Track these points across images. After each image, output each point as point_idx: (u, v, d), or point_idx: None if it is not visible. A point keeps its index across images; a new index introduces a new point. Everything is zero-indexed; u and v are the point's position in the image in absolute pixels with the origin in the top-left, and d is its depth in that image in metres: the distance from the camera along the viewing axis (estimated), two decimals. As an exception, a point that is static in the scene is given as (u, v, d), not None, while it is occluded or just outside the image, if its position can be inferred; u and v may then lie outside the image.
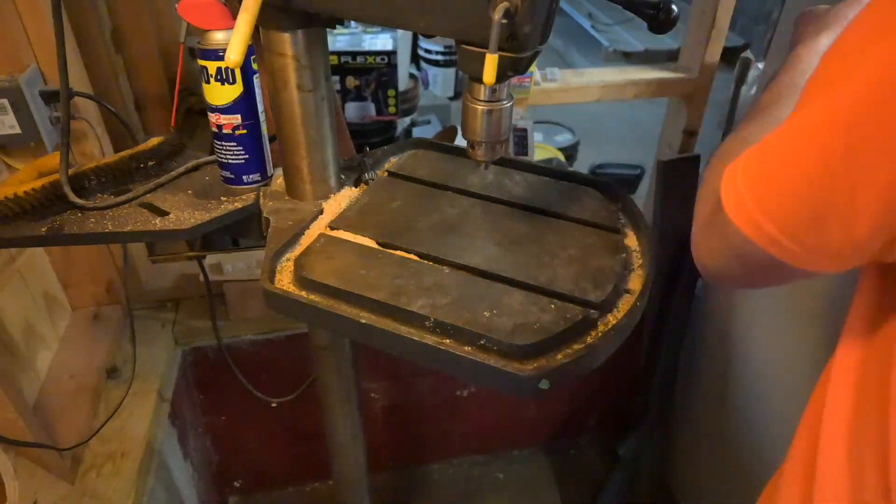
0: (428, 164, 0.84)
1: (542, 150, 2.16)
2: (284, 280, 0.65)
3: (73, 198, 0.73)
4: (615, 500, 1.68)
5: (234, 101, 0.71)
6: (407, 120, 2.15)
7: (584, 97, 1.41)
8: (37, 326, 1.15)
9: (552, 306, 0.60)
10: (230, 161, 0.75)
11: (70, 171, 0.75)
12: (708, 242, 0.52)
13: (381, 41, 1.78)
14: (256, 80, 0.72)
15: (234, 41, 0.56)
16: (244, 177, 0.76)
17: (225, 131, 0.73)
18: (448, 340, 0.58)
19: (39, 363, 1.15)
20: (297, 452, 1.68)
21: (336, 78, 1.74)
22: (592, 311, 0.60)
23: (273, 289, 0.62)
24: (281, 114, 0.70)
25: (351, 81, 1.78)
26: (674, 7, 0.60)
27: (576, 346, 0.58)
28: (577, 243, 0.69)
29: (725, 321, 1.42)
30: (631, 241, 0.72)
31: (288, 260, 0.68)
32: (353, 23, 1.82)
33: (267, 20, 0.62)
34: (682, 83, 1.43)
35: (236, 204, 0.75)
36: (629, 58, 4.09)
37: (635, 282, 0.66)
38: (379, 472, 1.78)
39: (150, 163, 0.81)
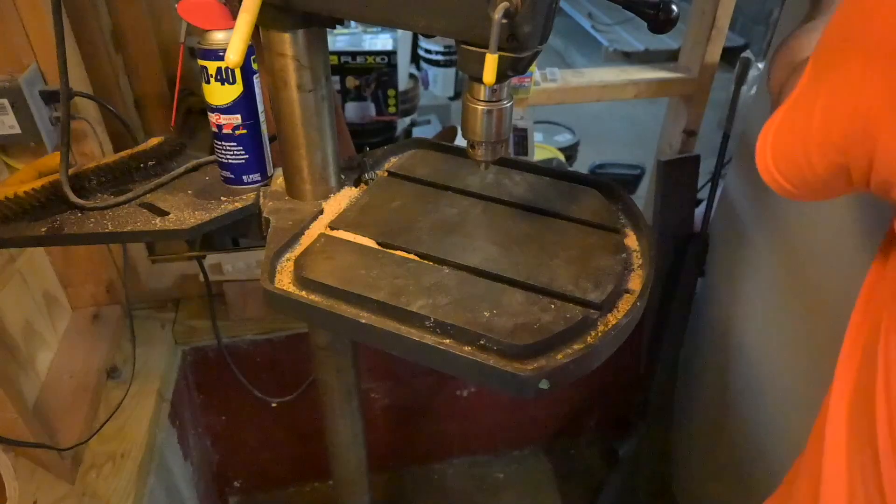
0: (428, 164, 0.84)
1: (542, 150, 2.16)
2: (284, 280, 0.65)
3: (73, 198, 0.73)
4: (615, 500, 1.68)
5: (234, 101, 0.71)
6: (407, 120, 2.15)
7: (584, 97, 1.41)
8: (37, 326, 1.15)
9: (552, 306, 0.60)
10: (230, 161, 0.75)
11: (70, 171, 0.75)
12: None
13: (381, 41, 1.78)
14: (256, 80, 0.72)
15: (234, 41, 0.56)
16: (244, 177, 0.76)
17: (225, 131, 0.73)
18: (448, 340, 0.58)
19: (39, 363, 1.15)
20: (297, 452, 1.68)
21: (336, 78, 1.74)
22: (592, 311, 0.60)
23: (273, 289, 0.62)
24: (281, 114, 0.70)
25: (351, 81, 1.78)
26: (674, 7, 0.60)
27: (576, 346, 0.58)
28: (577, 243, 0.69)
29: (725, 321, 1.42)
30: (631, 241, 0.72)
31: (288, 260, 0.68)
32: (353, 23, 1.82)
33: (267, 20, 0.62)
34: (682, 83, 1.43)
35: (236, 204, 0.75)
36: (629, 58, 4.09)
37: (635, 282, 0.66)
38: (379, 472, 1.78)
39: (150, 163, 0.81)
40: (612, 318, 0.61)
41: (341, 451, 0.99)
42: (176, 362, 1.38)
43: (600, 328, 0.60)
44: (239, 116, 0.72)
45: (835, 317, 1.04)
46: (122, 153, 0.80)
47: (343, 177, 0.79)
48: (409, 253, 0.68)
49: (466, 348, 0.57)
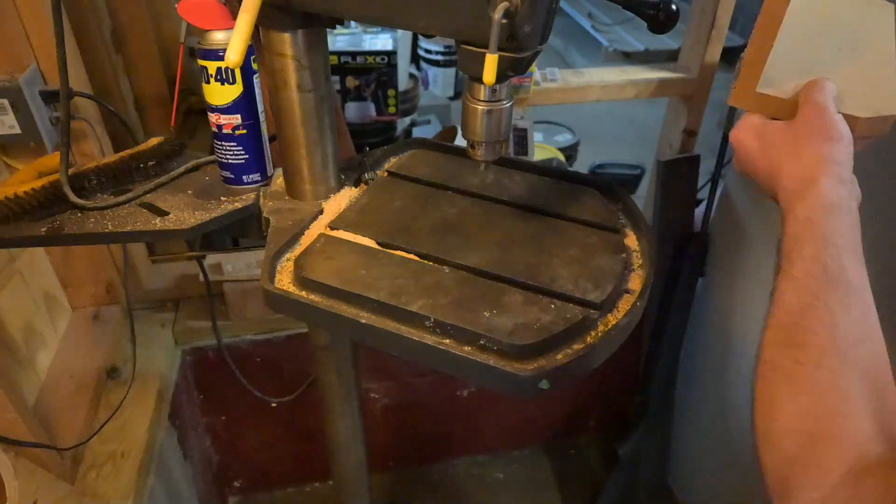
0: (428, 164, 0.84)
1: (542, 150, 2.16)
2: (284, 280, 0.65)
3: (73, 198, 0.73)
4: (615, 500, 1.68)
5: (234, 101, 0.70)
6: (407, 120, 2.15)
7: (584, 97, 1.41)
8: (37, 326, 1.15)
9: (552, 306, 0.60)
10: (230, 161, 0.75)
11: (70, 171, 0.74)
12: None
13: (381, 41, 1.78)
14: (256, 80, 0.72)
15: (234, 41, 0.56)
16: (244, 177, 0.76)
17: (225, 131, 0.73)
18: (448, 340, 0.58)
19: (39, 363, 1.15)
20: (297, 452, 1.68)
21: (336, 78, 1.74)
22: (592, 311, 0.60)
23: (273, 289, 0.62)
24: (281, 114, 0.70)
25: (351, 81, 1.77)
26: (674, 7, 0.60)
27: (576, 346, 0.58)
28: (577, 243, 0.69)
29: (725, 320, 1.42)
30: (631, 241, 0.72)
31: (288, 260, 0.68)
32: (353, 23, 1.82)
33: (267, 20, 0.62)
34: (682, 83, 1.43)
35: (236, 204, 0.75)
36: (629, 58, 4.08)
37: (635, 282, 0.66)
38: (379, 472, 1.78)
39: (150, 163, 0.81)
40: (612, 319, 0.61)
41: (341, 451, 0.99)
42: (176, 362, 1.38)
43: (600, 328, 0.60)
44: (239, 116, 0.72)
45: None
46: (122, 153, 0.80)
47: (343, 177, 0.79)
48: (409, 253, 0.68)
49: (466, 348, 0.57)
